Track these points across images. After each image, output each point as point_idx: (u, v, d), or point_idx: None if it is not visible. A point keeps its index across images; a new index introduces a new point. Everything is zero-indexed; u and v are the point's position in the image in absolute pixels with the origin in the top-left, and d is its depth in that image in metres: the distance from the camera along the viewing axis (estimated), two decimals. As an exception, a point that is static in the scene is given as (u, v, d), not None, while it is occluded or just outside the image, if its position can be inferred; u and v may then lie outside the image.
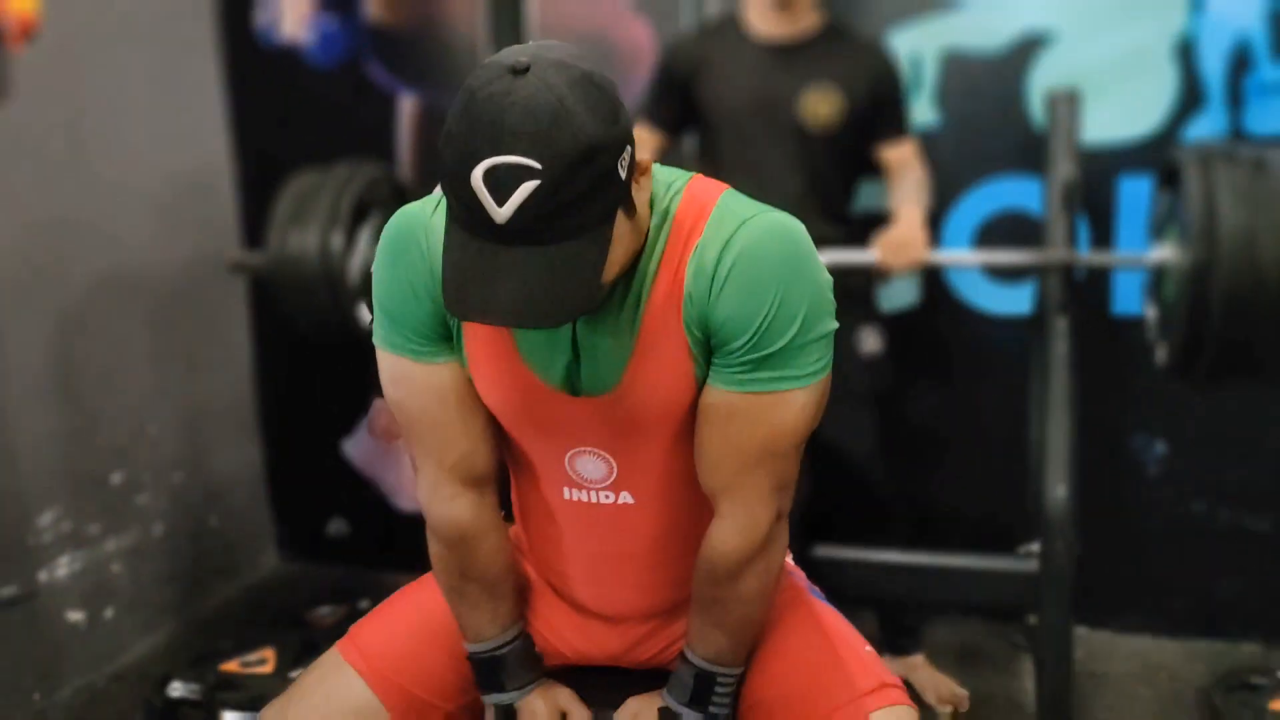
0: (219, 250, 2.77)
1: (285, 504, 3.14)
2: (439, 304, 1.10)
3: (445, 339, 1.15)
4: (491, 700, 1.29)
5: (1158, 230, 2.09)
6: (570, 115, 0.93)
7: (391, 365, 1.17)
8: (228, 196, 2.92)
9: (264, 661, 2.46)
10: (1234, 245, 1.81)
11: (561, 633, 1.35)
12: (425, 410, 1.17)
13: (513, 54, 0.97)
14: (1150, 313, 2.13)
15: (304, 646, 2.48)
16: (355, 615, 1.50)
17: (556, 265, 0.96)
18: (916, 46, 2.47)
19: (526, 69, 0.94)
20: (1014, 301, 2.53)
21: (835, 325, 1.09)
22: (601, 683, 1.33)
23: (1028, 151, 2.45)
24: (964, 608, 2.56)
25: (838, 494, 2.32)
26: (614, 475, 1.18)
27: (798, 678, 1.24)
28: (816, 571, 1.46)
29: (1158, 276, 2.09)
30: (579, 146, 0.93)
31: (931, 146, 2.44)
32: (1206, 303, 1.85)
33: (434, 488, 1.21)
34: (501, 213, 0.94)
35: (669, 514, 1.22)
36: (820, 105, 2.21)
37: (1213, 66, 2.35)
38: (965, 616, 2.61)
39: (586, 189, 0.94)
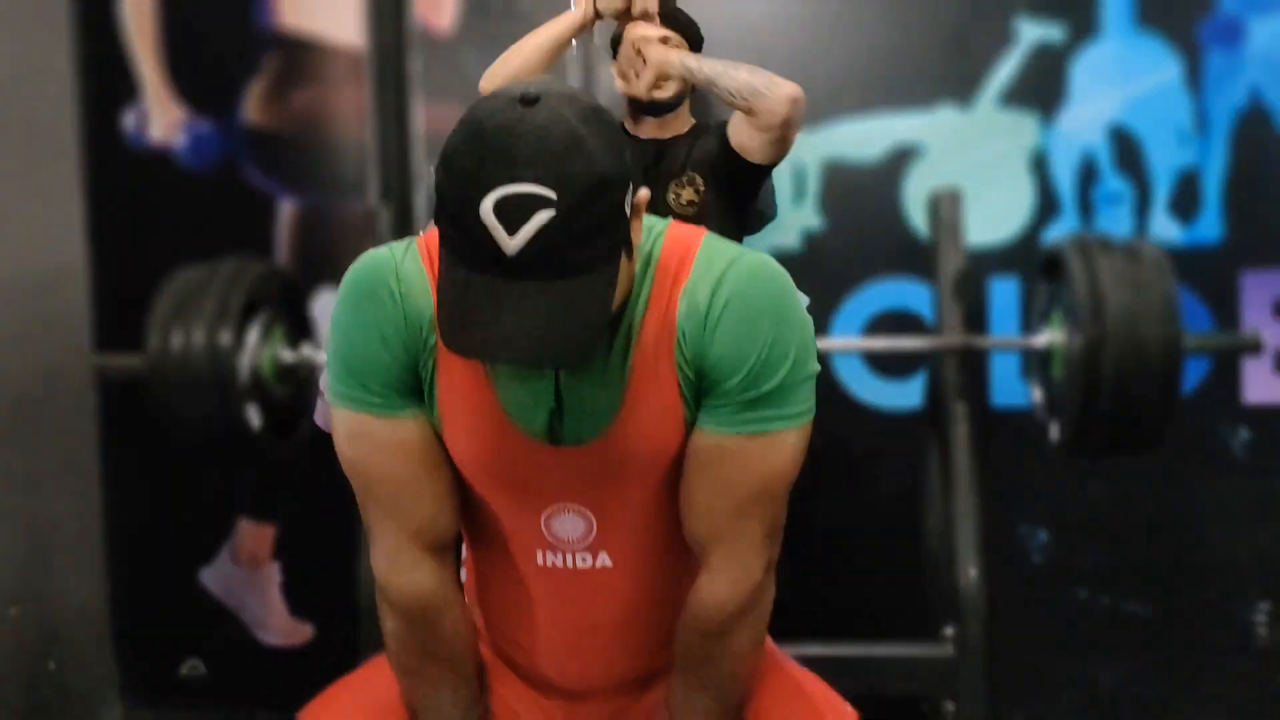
0: (69, 360, 2.56)
1: (133, 643, 2.84)
2: (410, 352, 1.05)
3: (413, 391, 1.07)
4: None
5: (1040, 317, 2.23)
6: (584, 146, 0.90)
7: (349, 422, 1.08)
8: (81, 303, 2.72)
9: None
10: (1119, 324, 1.96)
11: (522, 717, 1.26)
12: (387, 471, 1.08)
13: (519, 86, 0.94)
14: (1036, 395, 2.25)
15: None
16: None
17: (565, 302, 0.91)
18: (800, 156, 2.60)
19: (536, 99, 0.92)
20: (903, 396, 2.62)
21: (819, 368, 1.09)
22: None
23: (907, 254, 2.59)
24: (879, 699, 2.53)
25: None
26: (593, 535, 1.12)
27: None
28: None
29: (1043, 361, 2.21)
30: (592, 178, 0.90)
31: (817, 249, 2.55)
32: (1097, 378, 1.97)
33: (395, 556, 1.11)
34: (512, 244, 0.89)
35: (648, 578, 1.17)
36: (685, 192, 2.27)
37: (1064, 178, 2.58)
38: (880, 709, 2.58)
39: (597, 222, 0.91)
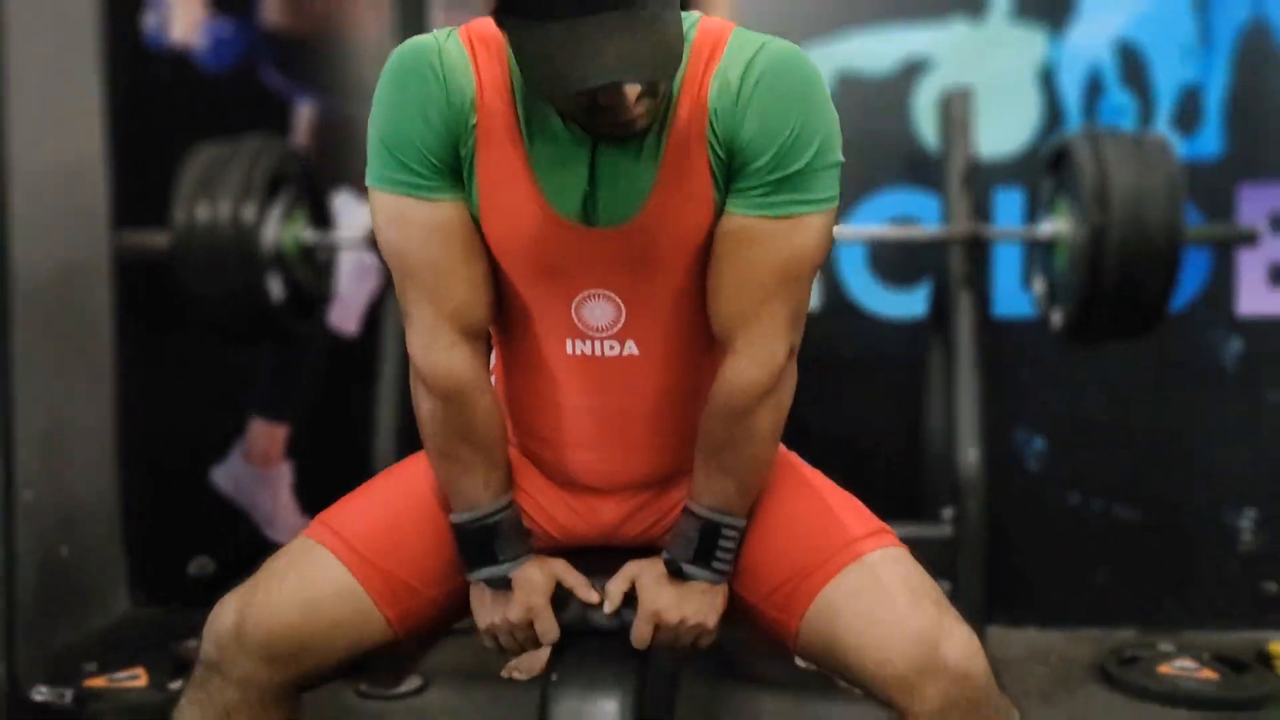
0: (88, 250, 2.60)
1: (142, 538, 2.87)
2: (452, 131, 1.09)
3: (453, 173, 1.11)
4: (482, 575, 1.21)
5: (1046, 209, 2.30)
6: None
7: (389, 206, 1.12)
8: (100, 196, 2.75)
9: (135, 677, 2.23)
10: (1125, 204, 2.02)
11: (548, 512, 1.31)
12: (424, 253, 1.12)
13: None
14: (1039, 287, 2.32)
15: (178, 668, 2.26)
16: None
17: (648, 22, 0.96)
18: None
19: None
20: (910, 305, 2.69)
21: (843, 160, 1.12)
22: (592, 562, 1.28)
23: (917, 166, 2.66)
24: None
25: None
26: (621, 321, 1.17)
27: (796, 529, 1.24)
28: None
29: (1046, 252, 2.28)
30: None
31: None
32: (1102, 259, 2.04)
33: (431, 336, 1.15)
34: None
35: (674, 367, 1.21)
36: None
37: (1071, 92, 2.65)
38: None
39: None
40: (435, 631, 1.32)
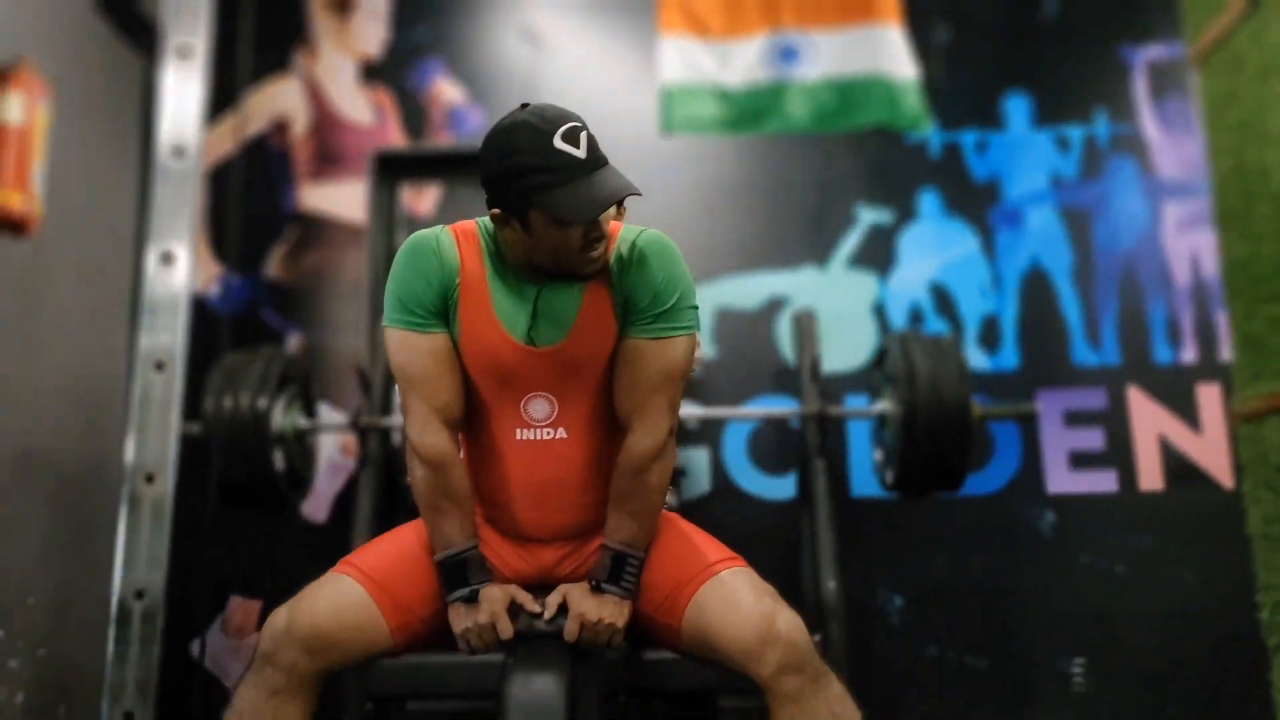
0: (105, 452, 3.16)
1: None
2: (444, 287, 1.64)
3: (442, 315, 1.65)
4: (457, 595, 1.67)
5: (875, 394, 2.97)
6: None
7: (399, 338, 1.66)
8: (119, 409, 3.35)
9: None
10: (926, 384, 2.69)
11: (504, 559, 1.78)
12: (421, 368, 1.65)
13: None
14: (879, 455, 2.95)
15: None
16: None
17: (616, 172, 1.58)
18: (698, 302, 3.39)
19: (526, 104, 1.58)
20: (780, 489, 3.30)
21: (697, 303, 1.70)
22: (536, 592, 1.77)
23: (781, 377, 3.35)
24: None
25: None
26: (555, 413, 1.68)
27: (675, 559, 1.74)
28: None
29: (880, 426, 2.92)
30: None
31: (713, 373, 3.29)
32: (914, 427, 2.67)
33: (424, 423, 1.66)
34: (580, 152, 1.54)
35: (592, 445, 1.71)
36: None
37: (899, 319, 3.40)
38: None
39: None
40: (423, 642, 1.75)
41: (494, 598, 1.68)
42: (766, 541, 3.26)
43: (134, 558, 0.99)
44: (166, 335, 1.30)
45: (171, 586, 3.30)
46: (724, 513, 3.29)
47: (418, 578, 1.72)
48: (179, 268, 1.26)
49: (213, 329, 3.45)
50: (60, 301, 3.08)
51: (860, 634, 3.17)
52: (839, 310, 3.39)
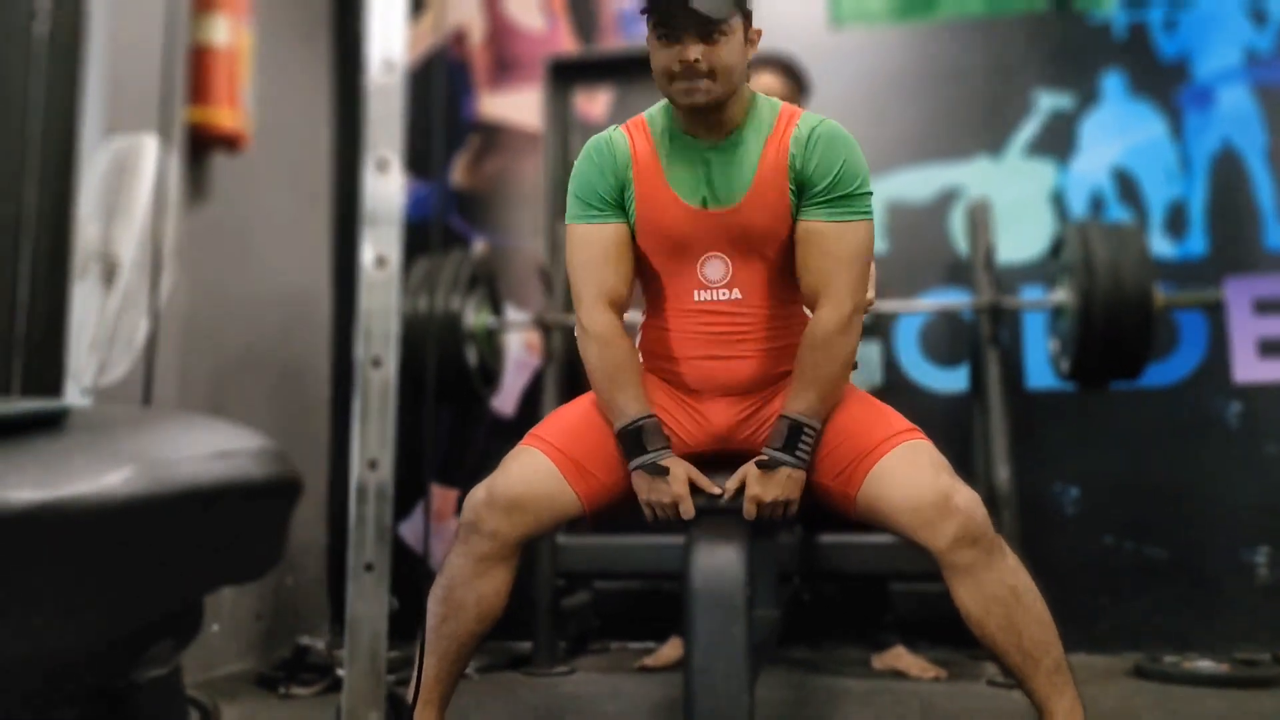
0: (314, 353, 3.45)
1: (342, 579, 3.57)
2: (618, 179, 1.77)
3: (617, 204, 1.77)
4: (639, 463, 1.76)
5: (1052, 284, 2.95)
6: None
7: (576, 232, 1.79)
8: (325, 316, 3.64)
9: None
10: (1105, 273, 2.65)
11: (677, 420, 1.87)
12: (594, 254, 1.78)
13: None
14: (1054, 345, 2.94)
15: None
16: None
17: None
18: (869, 196, 3.40)
19: None
20: (952, 381, 3.32)
21: (873, 192, 1.76)
22: (710, 466, 1.88)
23: (953, 270, 3.34)
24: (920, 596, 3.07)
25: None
26: (730, 275, 1.78)
27: (854, 429, 1.78)
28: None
29: (1055, 317, 2.90)
30: None
31: (884, 268, 3.30)
32: (1092, 318, 2.65)
33: (592, 305, 1.79)
34: None
35: (765, 309, 1.81)
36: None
37: (1078, 209, 3.32)
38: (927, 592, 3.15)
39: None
40: (610, 509, 1.85)
41: (677, 477, 1.77)
42: (938, 435, 3.18)
43: (367, 433, 1.14)
44: (387, 233, 1.44)
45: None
46: (895, 406, 3.28)
47: (599, 445, 1.81)
48: (393, 173, 1.39)
49: (405, 235, 3.66)
50: (270, 213, 3.35)
51: (1033, 525, 3.18)
52: (1014, 200, 3.34)
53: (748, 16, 1.73)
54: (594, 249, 1.79)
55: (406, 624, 1.81)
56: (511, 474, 1.79)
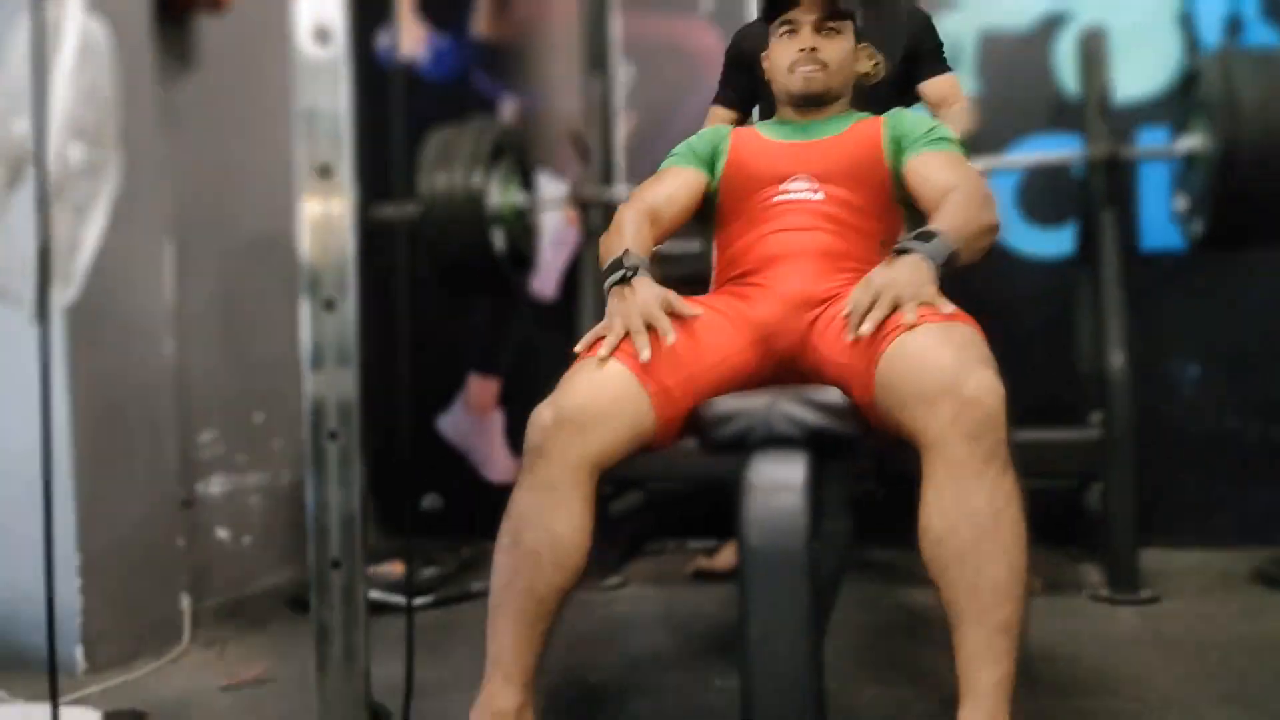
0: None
1: (382, 479, 3.34)
2: (712, 148, 1.86)
3: (706, 163, 1.85)
4: (611, 281, 1.60)
5: (1177, 127, 2.47)
6: None
7: (665, 168, 1.87)
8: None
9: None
10: (1253, 113, 2.18)
11: (752, 302, 1.70)
12: (656, 181, 1.85)
13: None
14: (1181, 203, 2.47)
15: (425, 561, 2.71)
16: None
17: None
18: (956, 27, 2.89)
19: None
20: (1055, 244, 2.88)
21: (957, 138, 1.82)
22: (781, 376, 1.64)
23: (1058, 112, 2.85)
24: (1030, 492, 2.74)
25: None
26: (814, 186, 1.77)
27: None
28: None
29: (1185, 169, 2.44)
30: None
31: (975, 110, 2.83)
32: (1236, 169, 2.19)
33: (637, 203, 1.80)
34: None
35: (846, 214, 1.75)
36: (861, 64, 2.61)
37: (1211, 32, 2.79)
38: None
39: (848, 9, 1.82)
40: (681, 433, 1.64)
41: (650, 287, 1.60)
42: (1035, 306, 2.88)
43: (323, 397, 0.91)
44: (330, 137, 1.12)
45: (412, 368, 3.32)
46: (987, 274, 2.86)
47: (687, 358, 1.60)
48: (334, 43, 1.05)
49: (425, 97, 3.27)
50: (273, 82, 2.96)
51: (1146, 406, 2.79)
52: (1129, 25, 2.80)
53: (858, 34, 1.86)
54: (661, 178, 1.86)
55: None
56: (576, 385, 1.53)
